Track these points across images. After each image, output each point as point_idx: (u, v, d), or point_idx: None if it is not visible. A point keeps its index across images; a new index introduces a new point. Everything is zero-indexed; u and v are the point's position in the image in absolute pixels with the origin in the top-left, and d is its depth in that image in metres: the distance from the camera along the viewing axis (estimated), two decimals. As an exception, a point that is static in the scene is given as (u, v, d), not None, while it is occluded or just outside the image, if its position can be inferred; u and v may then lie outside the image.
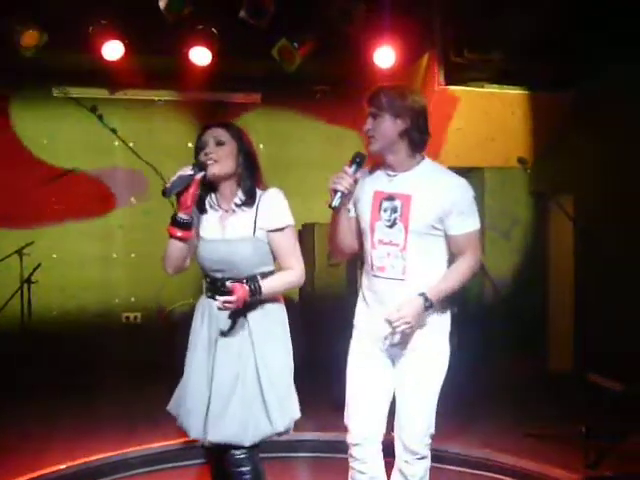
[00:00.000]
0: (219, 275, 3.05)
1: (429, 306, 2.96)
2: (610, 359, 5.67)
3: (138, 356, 6.66)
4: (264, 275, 3.04)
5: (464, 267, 3.06)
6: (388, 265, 3.05)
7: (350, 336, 3.27)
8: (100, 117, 6.35)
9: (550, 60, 6.36)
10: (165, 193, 2.92)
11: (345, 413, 3.21)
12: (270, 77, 6.96)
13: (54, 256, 7.26)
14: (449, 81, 6.43)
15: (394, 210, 3.02)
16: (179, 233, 2.97)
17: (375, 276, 3.10)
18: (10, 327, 6.68)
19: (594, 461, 4.35)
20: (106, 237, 7.47)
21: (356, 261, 3.38)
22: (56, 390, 6.03)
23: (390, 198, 3.04)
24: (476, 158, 6.58)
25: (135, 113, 7.47)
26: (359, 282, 3.33)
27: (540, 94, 6.73)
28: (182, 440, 4.62)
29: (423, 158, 3.09)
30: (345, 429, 3.23)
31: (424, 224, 2.99)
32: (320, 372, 5.19)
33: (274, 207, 3.06)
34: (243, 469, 2.98)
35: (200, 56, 6.11)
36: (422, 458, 3.12)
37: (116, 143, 7.40)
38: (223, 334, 3.02)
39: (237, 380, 2.99)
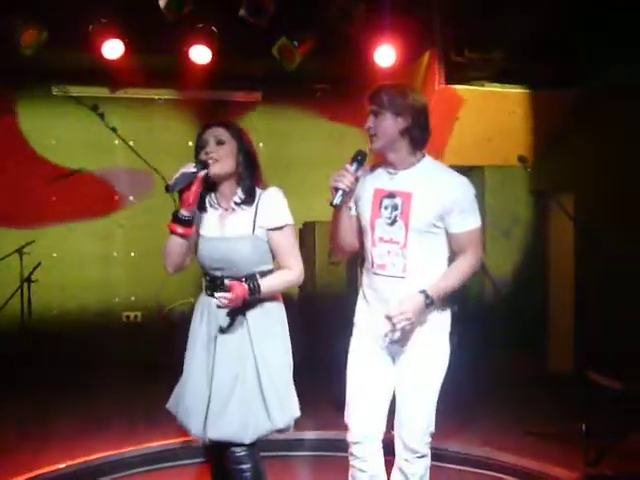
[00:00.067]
0: (218, 273, 3.06)
1: (430, 303, 2.96)
2: (610, 358, 5.66)
3: (138, 355, 6.66)
4: (263, 274, 3.05)
5: (465, 265, 3.06)
6: (389, 263, 3.05)
7: (350, 334, 3.27)
8: (101, 116, 6.35)
9: (550, 60, 6.36)
10: (168, 189, 2.93)
11: (345, 411, 3.21)
12: (270, 76, 6.97)
13: (54, 255, 7.26)
14: (449, 80, 6.43)
15: (395, 208, 3.02)
16: (180, 230, 2.98)
17: (375, 274, 3.10)
18: (10, 326, 6.69)
19: (594, 459, 4.35)
20: (106, 236, 7.48)
21: (356, 259, 3.37)
22: (56, 389, 6.02)
23: (391, 196, 3.04)
24: (476, 157, 6.58)
25: (135, 112, 7.47)
26: (359, 280, 3.33)
27: (540, 93, 6.73)
28: (182, 439, 4.62)
29: (424, 156, 3.09)
30: (345, 427, 3.22)
31: (425, 222, 2.99)
32: (320, 370, 5.19)
33: (273, 206, 3.07)
34: (244, 466, 2.99)
35: (200, 55, 6.11)
36: (422, 457, 3.11)
37: (116, 142, 7.40)
38: (222, 331, 3.03)
39: (236, 381, 3.00)
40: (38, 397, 5.84)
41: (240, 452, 2.98)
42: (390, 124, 3.00)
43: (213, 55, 6.09)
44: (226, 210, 3.10)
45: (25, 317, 6.71)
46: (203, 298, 3.16)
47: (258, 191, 3.09)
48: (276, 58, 6.20)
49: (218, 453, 3.08)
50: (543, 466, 4.41)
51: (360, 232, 3.18)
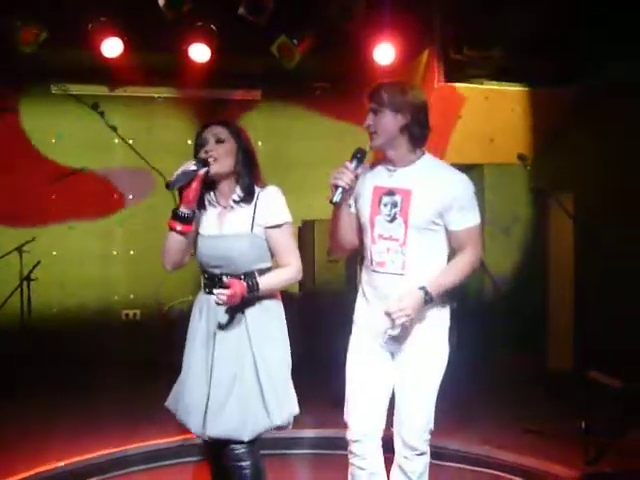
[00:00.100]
0: (217, 271, 3.06)
1: (429, 300, 2.96)
2: (610, 356, 5.66)
3: (137, 353, 6.67)
4: (261, 272, 3.06)
5: (465, 262, 3.07)
6: (388, 260, 3.05)
7: (350, 332, 3.27)
8: (102, 114, 6.35)
9: (550, 57, 6.37)
10: (168, 186, 2.96)
11: (345, 409, 3.21)
12: (270, 74, 6.97)
13: (54, 253, 7.26)
14: (449, 78, 6.43)
15: (394, 205, 3.02)
16: (179, 227, 2.99)
17: (375, 271, 3.10)
18: (10, 324, 6.68)
19: (594, 457, 4.35)
20: (106, 235, 7.48)
21: (356, 257, 3.38)
22: (55, 387, 6.02)
23: (390, 193, 3.04)
24: (478, 155, 6.57)
25: (135, 110, 7.47)
26: (359, 278, 3.34)
27: (540, 91, 6.73)
28: (182, 437, 4.63)
29: (423, 153, 3.09)
30: (345, 425, 3.22)
31: (424, 219, 2.99)
32: (320, 368, 5.19)
33: (272, 204, 3.08)
34: (243, 464, 2.99)
35: (199, 53, 6.11)
36: (421, 454, 3.12)
37: (116, 140, 7.40)
38: (221, 327, 3.04)
39: (235, 379, 3.01)
40: (38, 395, 5.84)
41: (239, 449, 2.99)
42: (390, 121, 3.00)
43: (212, 53, 6.09)
44: (225, 208, 3.11)
45: (25, 315, 6.71)
46: (202, 296, 3.16)
47: (257, 189, 3.10)
48: (275, 56, 6.21)
49: (217, 451, 3.08)
50: (543, 464, 4.41)
51: (359, 230, 3.18)
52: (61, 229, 7.29)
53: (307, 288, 6.95)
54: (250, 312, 3.04)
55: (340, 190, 2.91)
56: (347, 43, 6.09)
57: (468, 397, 5.30)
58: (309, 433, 4.91)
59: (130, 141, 7.34)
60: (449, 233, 3.06)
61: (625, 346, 5.64)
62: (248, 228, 3.04)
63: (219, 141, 3.06)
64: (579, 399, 5.12)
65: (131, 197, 7.55)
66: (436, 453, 3.38)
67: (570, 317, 6.63)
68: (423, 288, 2.95)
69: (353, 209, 3.15)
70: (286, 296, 3.27)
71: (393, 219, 3.03)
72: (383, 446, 3.22)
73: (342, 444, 3.35)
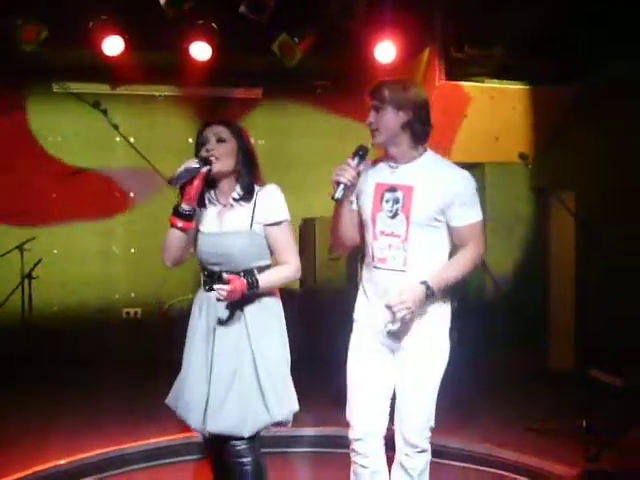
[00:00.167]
0: (216, 268, 3.08)
1: (430, 294, 2.96)
2: (611, 354, 5.67)
3: (138, 351, 6.67)
4: (261, 269, 3.07)
5: (466, 258, 3.07)
6: (389, 256, 3.05)
7: (350, 330, 3.27)
8: (104, 112, 6.35)
9: (550, 56, 6.37)
10: (170, 183, 2.99)
11: (347, 409, 3.21)
12: (271, 72, 6.97)
13: (55, 252, 7.27)
14: (450, 76, 6.43)
15: (396, 201, 3.03)
16: (180, 223, 3.01)
17: (376, 267, 3.10)
18: (11, 322, 6.69)
19: (594, 455, 4.35)
20: (106, 233, 7.48)
21: (357, 255, 3.38)
22: (56, 385, 6.02)
23: (392, 189, 3.05)
24: (482, 154, 6.57)
25: (136, 109, 7.46)
26: (359, 276, 3.34)
27: (540, 89, 6.73)
28: (182, 435, 4.63)
29: (425, 150, 3.10)
30: (346, 424, 3.22)
31: (426, 216, 3.00)
32: (320, 366, 5.19)
33: (271, 202, 3.10)
34: (244, 460, 3.00)
35: (200, 51, 6.11)
36: (422, 451, 3.12)
37: (117, 139, 7.39)
38: (221, 322, 3.05)
39: (234, 375, 3.02)
40: (38, 393, 5.85)
41: (240, 445, 3.00)
42: (391, 118, 3.00)
43: (213, 52, 6.09)
44: (225, 206, 3.13)
45: (26, 314, 6.71)
46: (201, 293, 3.18)
47: (256, 188, 3.12)
48: (276, 54, 6.20)
49: (218, 447, 3.09)
50: (544, 462, 4.41)
51: (361, 227, 3.18)
52: (62, 227, 7.29)
53: (308, 286, 6.95)
54: (249, 309, 3.06)
55: (342, 187, 2.92)
56: (348, 41, 6.09)
57: (469, 396, 5.30)
58: (310, 431, 4.91)
59: (131, 139, 7.33)
60: (451, 229, 3.06)
61: (626, 344, 5.64)
62: (247, 225, 3.06)
63: (220, 140, 3.08)
64: (580, 397, 5.13)
65: (132, 195, 7.56)
66: (437, 451, 3.39)
67: (571, 316, 6.63)
68: (425, 282, 2.95)
69: (355, 206, 3.16)
70: (286, 293, 3.28)
71: (395, 215, 3.03)
72: (384, 444, 3.22)
73: (343, 442, 3.35)
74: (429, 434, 3.13)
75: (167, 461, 4.72)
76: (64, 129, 7.34)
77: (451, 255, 3.10)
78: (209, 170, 3.01)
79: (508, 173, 6.52)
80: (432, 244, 3.05)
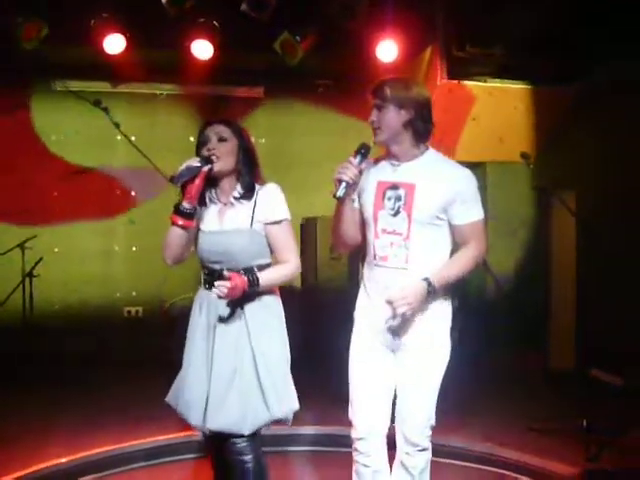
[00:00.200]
0: (217, 267, 3.08)
1: (432, 291, 2.96)
2: (611, 354, 5.67)
3: (139, 350, 6.67)
4: (261, 267, 3.08)
5: (468, 256, 3.07)
6: (391, 254, 3.05)
7: (351, 329, 3.27)
8: (106, 110, 6.34)
9: (551, 55, 6.38)
10: (172, 180, 3.00)
11: (349, 409, 3.21)
12: (272, 71, 6.97)
13: (56, 250, 7.27)
14: (451, 75, 6.44)
15: (398, 199, 3.03)
16: (181, 221, 3.02)
17: (377, 265, 3.10)
18: (12, 321, 6.69)
19: (595, 455, 4.35)
20: (108, 231, 7.49)
21: (358, 254, 3.37)
22: (57, 384, 6.02)
23: (394, 187, 3.05)
24: (486, 154, 6.57)
25: (137, 107, 7.47)
26: (361, 275, 3.34)
27: (541, 89, 6.73)
28: (183, 433, 4.63)
29: (427, 148, 3.10)
30: (346, 422, 3.23)
31: (428, 213, 3.00)
32: (321, 365, 5.20)
33: (272, 201, 3.11)
34: (245, 457, 3.01)
35: (202, 49, 6.11)
36: (423, 450, 3.12)
37: (118, 137, 7.39)
38: (221, 320, 3.06)
39: (234, 373, 3.03)
40: (39, 392, 5.85)
41: (241, 443, 3.01)
42: (393, 116, 3.01)
43: (215, 50, 6.09)
44: (225, 205, 3.15)
45: (27, 312, 6.70)
46: (202, 292, 3.18)
47: (257, 187, 3.14)
48: (278, 53, 6.21)
49: (219, 445, 3.10)
50: (544, 462, 4.41)
51: (362, 225, 3.18)
52: (63, 226, 7.29)
53: (309, 285, 6.95)
54: (249, 308, 3.07)
55: (344, 185, 2.92)
56: (350, 40, 6.10)
57: (470, 395, 5.30)
58: (310, 430, 4.91)
59: (132, 138, 7.33)
60: (453, 227, 3.06)
61: (626, 344, 5.64)
62: (247, 224, 3.07)
63: (221, 140, 3.09)
64: (580, 397, 5.13)
65: (133, 194, 7.56)
66: (438, 450, 3.39)
67: (572, 315, 6.62)
68: (426, 279, 2.95)
69: (356, 204, 3.16)
70: (287, 291, 3.28)
71: (397, 213, 3.03)
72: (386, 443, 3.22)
73: (344, 441, 3.36)
74: (430, 433, 3.13)
75: (167, 460, 4.72)
76: (65, 127, 7.35)
77: (452, 253, 3.11)
78: (210, 169, 3.02)
79: (510, 172, 6.51)
80: (434, 242, 3.05)
